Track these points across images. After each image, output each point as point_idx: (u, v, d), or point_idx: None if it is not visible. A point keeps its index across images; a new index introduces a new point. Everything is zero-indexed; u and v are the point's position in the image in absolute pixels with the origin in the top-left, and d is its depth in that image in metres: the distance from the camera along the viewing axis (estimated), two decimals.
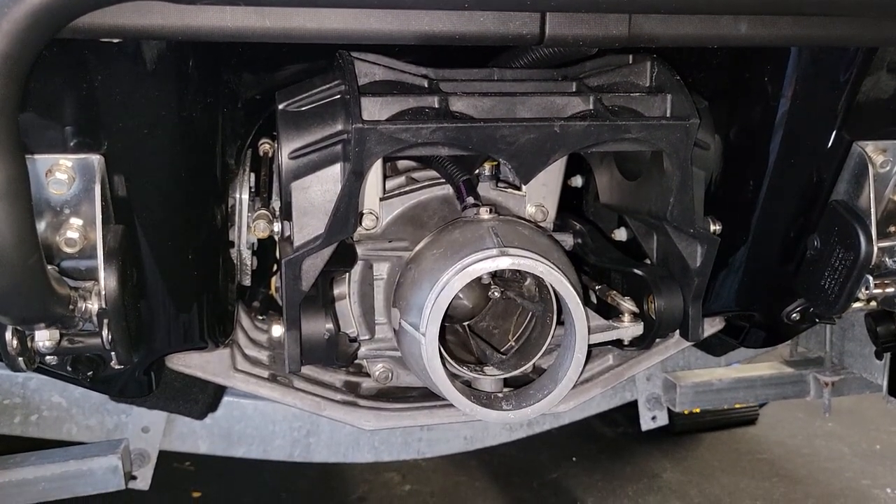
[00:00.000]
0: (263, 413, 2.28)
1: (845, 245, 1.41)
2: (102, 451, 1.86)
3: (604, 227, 1.78)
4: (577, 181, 1.86)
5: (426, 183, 1.56)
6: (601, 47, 1.18)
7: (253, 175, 1.56)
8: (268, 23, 0.95)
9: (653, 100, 1.32)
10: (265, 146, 1.59)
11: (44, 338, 1.09)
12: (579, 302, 1.28)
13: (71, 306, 1.06)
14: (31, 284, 0.94)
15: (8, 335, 1.06)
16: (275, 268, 1.84)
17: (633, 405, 2.56)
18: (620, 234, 1.72)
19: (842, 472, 3.34)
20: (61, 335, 1.14)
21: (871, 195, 1.39)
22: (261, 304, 1.84)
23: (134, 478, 2.07)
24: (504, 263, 1.25)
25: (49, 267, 1.02)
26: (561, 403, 1.42)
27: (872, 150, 1.41)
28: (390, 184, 1.58)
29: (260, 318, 1.74)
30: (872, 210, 1.39)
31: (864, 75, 1.33)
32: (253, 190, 1.55)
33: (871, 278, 1.40)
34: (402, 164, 1.69)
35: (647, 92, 1.35)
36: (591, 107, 1.29)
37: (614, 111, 1.29)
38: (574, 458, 3.45)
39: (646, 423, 2.52)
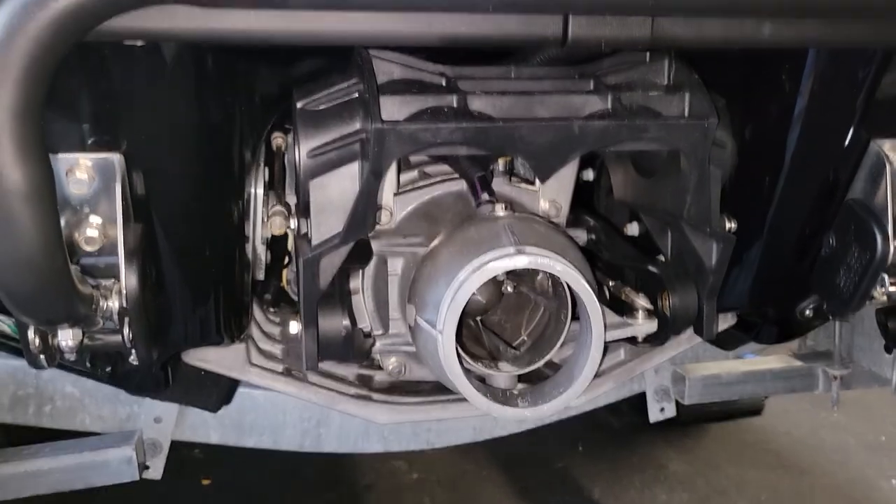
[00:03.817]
0: (274, 403, 2.28)
1: (861, 244, 1.40)
2: (117, 442, 1.87)
3: (616, 221, 1.77)
4: (589, 175, 1.86)
5: (440, 178, 1.55)
6: (623, 49, 1.18)
7: (267, 169, 1.56)
8: (293, 26, 0.95)
9: (671, 98, 1.32)
10: (278, 140, 1.59)
11: (67, 337, 1.10)
12: (596, 300, 1.28)
13: (94, 306, 1.07)
14: (57, 287, 0.94)
15: (31, 334, 1.07)
16: (286, 260, 1.84)
17: (638, 394, 2.57)
18: (633, 229, 1.72)
19: (847, 464, 3.35)
20: (83, 333, 1.14)
21: (889, 194, 1.39)
22: (272, 296, 1.85)
23: (147, 468, 2.08)
24: (521, 262, 1.25)
25: (72, 267, 1.02)
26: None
27: (890, 148, 1.40)
28: (403, 178, 1.57)
29: (272, 310, 1.75)
30: (889, 209, 1.38)
31: (882, 73, 1.32)
32: (267, 184, 1.56)
33: (886, 277, 1.40)
34: (414, 158, 1.68)
35: (665, 90, 1.34)
36: (609, 106, 1.28)
37: (632, 110, 1.28)
38: (580, 448, 3.46)
39: (654, 415, 2.51)
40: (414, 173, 1.59)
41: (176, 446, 2.24)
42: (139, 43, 0.99)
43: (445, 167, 1.57)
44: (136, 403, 2.13)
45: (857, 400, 3.65)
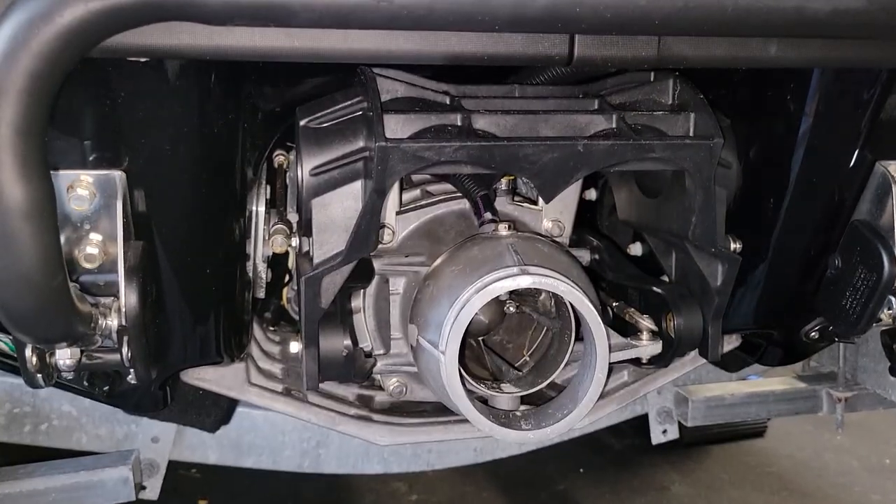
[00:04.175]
0: (273, 423, 2.27)
1: (868, 265, 1.39)
2: (113, 462, 1.84)
3: (619, 240, 1.76)
4: (592, 194, 1.85)
5: (442, 197, 1.55)
6: (629, 68, 1.17)
7: (268, 187, 1.55)
8: (297, 43, 0.94)
9: (676, 118, 1.31)
10: (279, 158, 1.59)
11: (65, 356, 1.08)
12: (600, 322, 1.27)
13: (92, 324, 1.05)
14: (56, 305, 0.93)
15: (28, 352, 1.06)
16: (287, 278, 1.83)
17: (639, 416, 2.55)
18: (636, 249, 1.71)
19: (851, 487, 3.31)
20: (81, 352, 1.13)
21: (895, 215, 1.38)
22: (272, 314, 1.84)
23: (143, 488, 2.06)
24: (525, 282, 1.24)
25: (71, 285, 1.01)
26: None
27: (895, 169, 1.40)
28: (406, 197, 1.57)
29: (272, 329, 1.73)
30: None
31: (887, 94, 1.32)
32: (268, 202, 1.55)
33: (893, 299, 1.39)
34: (416, 176, 1.68)
35: (670, 110, 1.34)
36: (613, 125, 1.28)
37: (637, 130, 1.28)
38: (581, 470, 3.43)
39: (656, 437, 2.50)
40: (416, 192, 1.58)
41: (173, 466, 2.22)
42: (143, 60, 0.98)
43: (448, 186, 1.56)
44: (133, 423, 2.12)
45: (860, 422, 3.62)
